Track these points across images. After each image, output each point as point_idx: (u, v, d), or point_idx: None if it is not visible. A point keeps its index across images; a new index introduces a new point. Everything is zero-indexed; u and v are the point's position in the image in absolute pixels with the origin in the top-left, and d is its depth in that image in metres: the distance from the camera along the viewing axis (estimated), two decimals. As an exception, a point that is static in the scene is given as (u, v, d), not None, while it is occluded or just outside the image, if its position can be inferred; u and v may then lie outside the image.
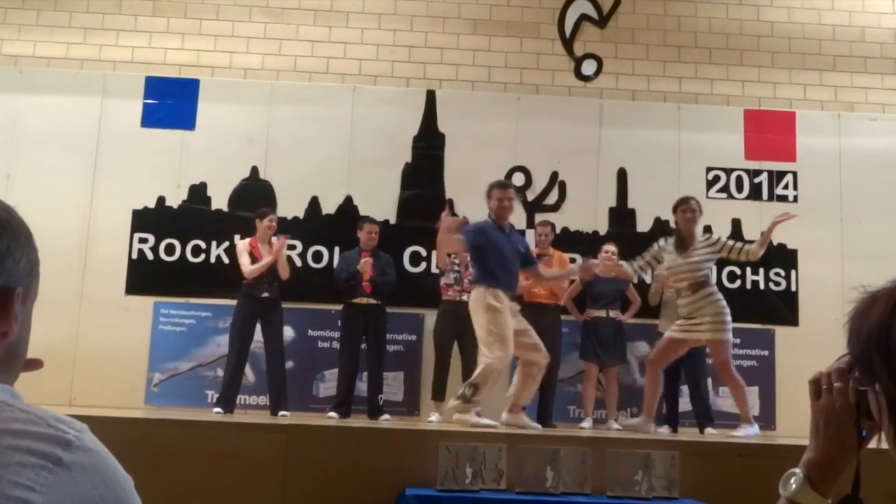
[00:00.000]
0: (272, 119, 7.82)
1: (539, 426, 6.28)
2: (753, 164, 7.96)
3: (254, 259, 6.82)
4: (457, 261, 6.98)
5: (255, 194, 7.65)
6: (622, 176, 7.90)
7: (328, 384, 7.32)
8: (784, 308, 7.75)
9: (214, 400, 6.93)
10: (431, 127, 7.90)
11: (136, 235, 7.59)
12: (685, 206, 6.25)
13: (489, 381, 5.77)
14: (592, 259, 6.72)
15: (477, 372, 5.80)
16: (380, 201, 7.69)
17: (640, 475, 4.36)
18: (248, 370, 7.10)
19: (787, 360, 7.46)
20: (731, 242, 6.32)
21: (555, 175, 7.87)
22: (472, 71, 8.00)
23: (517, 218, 7.69)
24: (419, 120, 7.89)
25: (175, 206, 7.66)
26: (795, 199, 7.87)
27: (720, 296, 6.21)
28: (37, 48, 7.84)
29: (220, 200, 7.70)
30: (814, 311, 7.50)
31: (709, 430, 6.66)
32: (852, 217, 7.83)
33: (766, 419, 7.50)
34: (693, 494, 4.41)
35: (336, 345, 7.28)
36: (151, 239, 7.59)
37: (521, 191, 7.82)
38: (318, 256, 7.63)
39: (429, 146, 7.87)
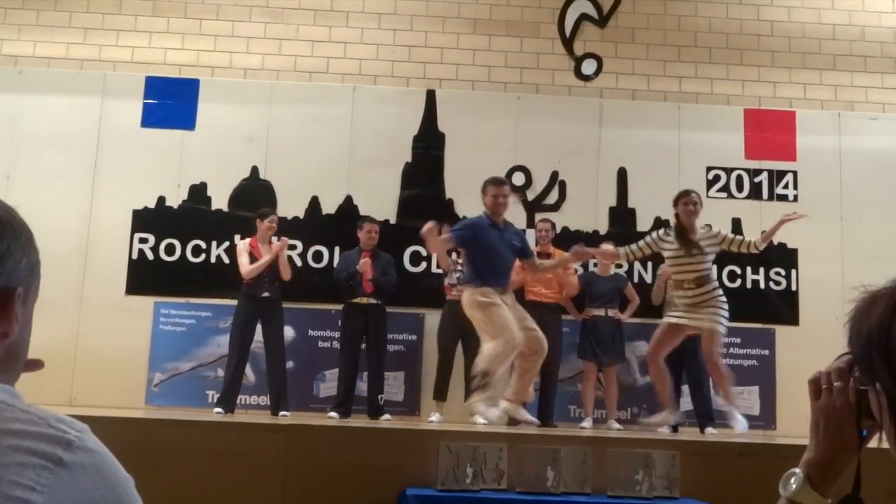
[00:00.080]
0: (272, 119, 7.82)
1: (536, 420, 6.29)
2: (753, 164, 7.96)
3: (253, 259, 6.82)
4: (460, 260, 6.98)
5: (255, 194, 7.66)
6: (622, 175, 7.90)
7: (329, 384, 7.33)
8: (784, 307, 7.75)
9: (215, 400, 6.93)
10: (431, 127, 7.90)
11: (137, 235, 7.59)
12: (686, 199, 6.27)
13: (498, 363, 5.73)
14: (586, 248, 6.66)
15: (479, 358, 5.79)
16: (380, 201, 7.69)
17: (641, 475, 4.36)
18: (248, 370, 7.10)
19: (788, 359, 7.46)
20: (731, 236, 6.38)
21: (555, 175, 7.88)
22: (472, 70, 8.00)
23: (517, 218, 7.71)
24: (419, 120, 7.90)
25: (175, 206, 7.67)
26: (795, 198, 7.87)
27: (721, 291, 6.28)
28: (37, 48, 7.84)
29: (220, 200, 7.70)
30: (814, 310, 7.50)
31: (709, 429, 6.66)
32: (852, 216, 7.83)
33: (767, 419, 7.51)
34: (694, 494, 4.41)
35: (336, 345, 7.28)
36: (152, 239, 7.59)
37: (522, 190, 7.83)
38: (318, 256, 7.63)
39: (429, 146, 7.87)
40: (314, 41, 7.98)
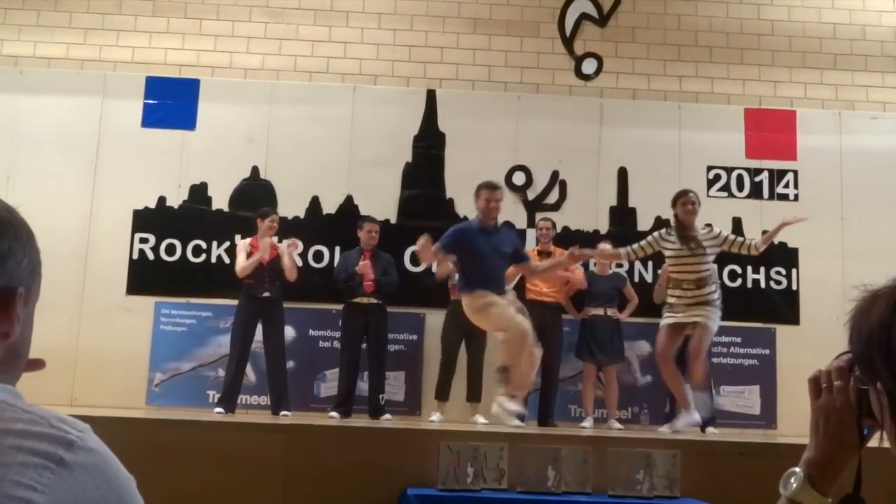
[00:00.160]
0: (272, 119, 7.82)
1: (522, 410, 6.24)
2: (754, 163, 7.96)
3: (254, 259, 6.83)
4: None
5: (255, 194, 7.66)
6: (623, 175, 7.90)
7: (329, 384, 7.33)
8: (785, 307, 7.75)
9: (216, 400, 6.93)
10: (432, 126, 7.90)
11: (137, 235, 7.59)
12: (685, 199, 6.29)
13: (514, 354, 5.74)
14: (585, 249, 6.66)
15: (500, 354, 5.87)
16: (380, 201, 7.69)
17: (642, 474, 4.36)
18: (249, 370, 7.10)
19: (789, 358, 7.45)
20: (732, 236, 6.39)
21: (555, 174, 7.88)
22: (473, 70, 8.00)
23: (518, 217, 7.72)
24: (419, 119, 7.90)
25: (176, 207, 7.67)
26: (796, 197, 7.88)
27: (720, 294, 6.30)
28: (37, 48, 7.84)
29: (220, 200, 7.70)
30: (815, 309, 7.49)
31: (710, 429, 6.66)
32: (853, 216, 7.83)
33: (768, 418, 7.51)
34: (694, 494, 4.41)
35: (337, 344, 7.28)
36: (152, 239, 7.59)
37: (522, 190, 7.83)
38: (318, 256, 7.63)
39: (429, 146, 7.87)
40: (314, 41, 7.98)
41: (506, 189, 6.43)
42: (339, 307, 7.14)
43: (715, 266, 6.71)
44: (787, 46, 8.14)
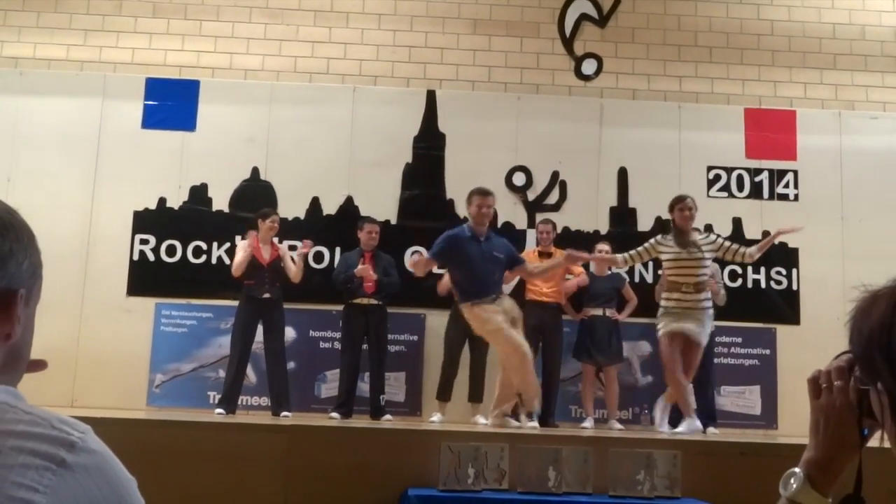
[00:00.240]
0: (273, 120, 7.82)
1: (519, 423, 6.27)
2: (754, 163, 7.96)
3: (255, 259, 6.82)
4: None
5: (255, 195, 7.66)
6: (623, 175, 7.90)
7: (330, 385, 7.33)
8: (785, 307, 7.75)
9: (216, 401, 6.93)
10: (432, 127, 7.91)
11: (138, 237, 7.59)
12: (682, 205, 6.30)
13: (522, 373, 5.81)
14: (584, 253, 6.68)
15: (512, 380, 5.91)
16: (380, 202, 7.69)
17: (643, 475, 4.36)
18: (249, 371, 7.10)
19: (789, 358, 7.45)
20: (728, 244, 6.38)
21: (555, 175, 7.87)
22: (473, 71, 8.00)
23: (518, 218, 7.73)
24: (419, 120, 7.90)
25: (176, 208, 7.67)
26: (796, 197, 7.88)
27: (712, 303, 6.34)
28: (37, 50, 7.84)
29: (220, 201, 7.71)
30: (815, 309, 7.49)
31: (711, 429, 6.67)
32: (853, 215, 7.83)
33: (768, 418, 7.51)
34: (695, 494, 4.41)
35: (337, 345, 7.28)
36: (153, 240, 7.60)
37: (522, 191, 7.84)
38: (319, 257, 7.63)
39: (429, 146, 7.87)
40: (314, 42, 7.98)
41: (496, 196, 6.41)
42: (340, 308, 7.14)
43: (717, 266, 6.73)
44: (787, 46, 8.14)
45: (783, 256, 7.73)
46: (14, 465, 0.81)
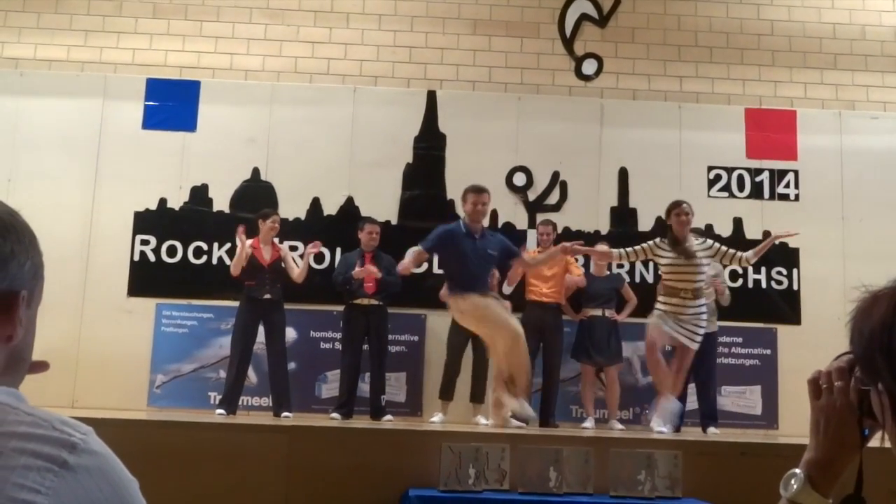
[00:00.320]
0: (273, 120, 7.82)
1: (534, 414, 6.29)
2: (755, 163, 7.96)
3: (255, 259, 6.82)
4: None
5: (256, 195, 7.66)
6: (623, 175, 7.90)
7: (330, 385, 7.33)
8: (786, 307, 7.75)
9: (217, 401, 6.93)
10: (432, 127, 7.91)
11: (138, 237, 7.59)
12: (678, 210, 6.29)
13: (515, 357, 5.80)
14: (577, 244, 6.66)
15: (499, 362, 5.92)
16: (381, 202, 7.69)
17: (643, 475, 4.36)
18: (250, 371, 7.09)
19: (790, 358, 7.45)
20: (724, 248, 6.36)
21: (556, 175, 7.88)
22: (473, 71, 8.00)
23: (518, 218, 7.73)
24: (420, 120, 7.90)
25: (177, 208, 7.67)
26: (797, 197, 7.88)
27: (705, 309, 6.32)
28: (38, 51, 7.85)
29: (221, 202, 7.71)
30: (816, 309, 7.49)
31: (711, 429, 6.67)
32: (854, 215, 7.83)
33: (769, 418, 7.51)
34: (696, 494, 4.42)
35: (338, 346, 7.28)
36: (153, 241, 7.60)
37: (523, 191, 7.84)
38: (319, 257, 7.62)
39: (430, 147, 7.87)
40: (315, 42, 7.98)
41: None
42: (340, 308, 7.14)
43: (721, 266, 6.72)
44: (787, 46, 8.14)
45: (784, 256, 7.73)
46: (16, 467, 0.81)
